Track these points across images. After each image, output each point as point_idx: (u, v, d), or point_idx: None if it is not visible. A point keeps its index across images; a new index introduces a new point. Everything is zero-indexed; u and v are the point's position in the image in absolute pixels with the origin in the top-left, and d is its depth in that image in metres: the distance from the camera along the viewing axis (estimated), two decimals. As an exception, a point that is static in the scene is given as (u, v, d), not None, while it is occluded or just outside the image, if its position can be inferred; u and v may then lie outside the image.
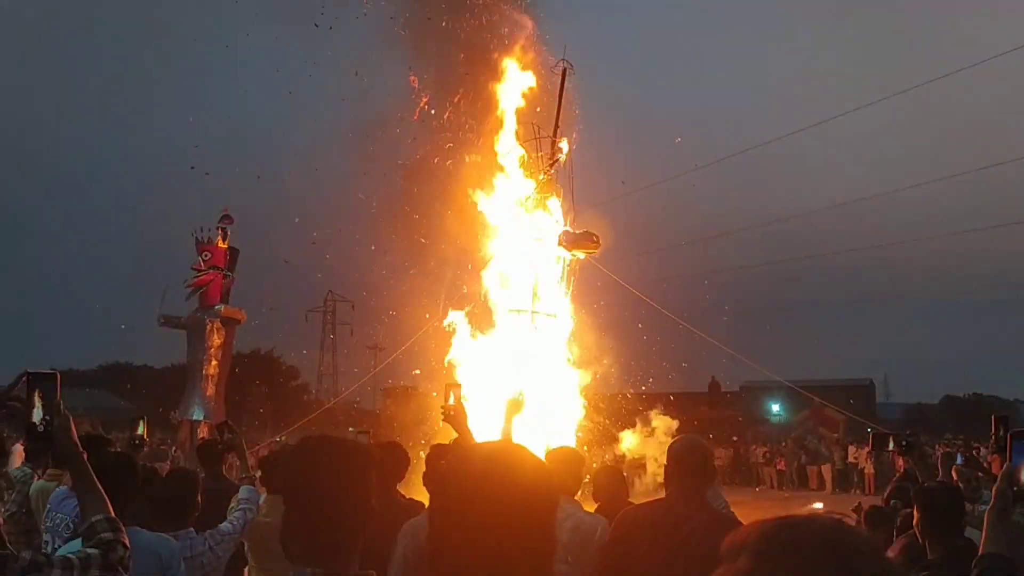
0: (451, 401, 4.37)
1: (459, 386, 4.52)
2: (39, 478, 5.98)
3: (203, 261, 25.49)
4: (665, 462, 3.60)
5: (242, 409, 44.20)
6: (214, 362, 25.25)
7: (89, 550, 2.23)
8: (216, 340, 25.31)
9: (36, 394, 2.37)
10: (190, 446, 23.85)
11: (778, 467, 28.87)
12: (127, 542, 2.30)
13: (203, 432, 24.78)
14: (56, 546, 3.98)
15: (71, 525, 3.91)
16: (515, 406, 4.50)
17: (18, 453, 7.20)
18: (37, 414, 2.22)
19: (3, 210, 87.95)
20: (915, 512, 3.90)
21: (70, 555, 2.21)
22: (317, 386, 63.55)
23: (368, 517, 1.86)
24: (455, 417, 4.27)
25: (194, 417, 24.75)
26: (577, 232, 18.37)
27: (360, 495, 1.84)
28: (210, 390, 25.11)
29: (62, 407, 2.26)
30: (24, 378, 2.39)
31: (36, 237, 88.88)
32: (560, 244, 18.41)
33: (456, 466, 1.48)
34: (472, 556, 1.37)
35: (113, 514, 2.36)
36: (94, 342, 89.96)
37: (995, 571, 2.60)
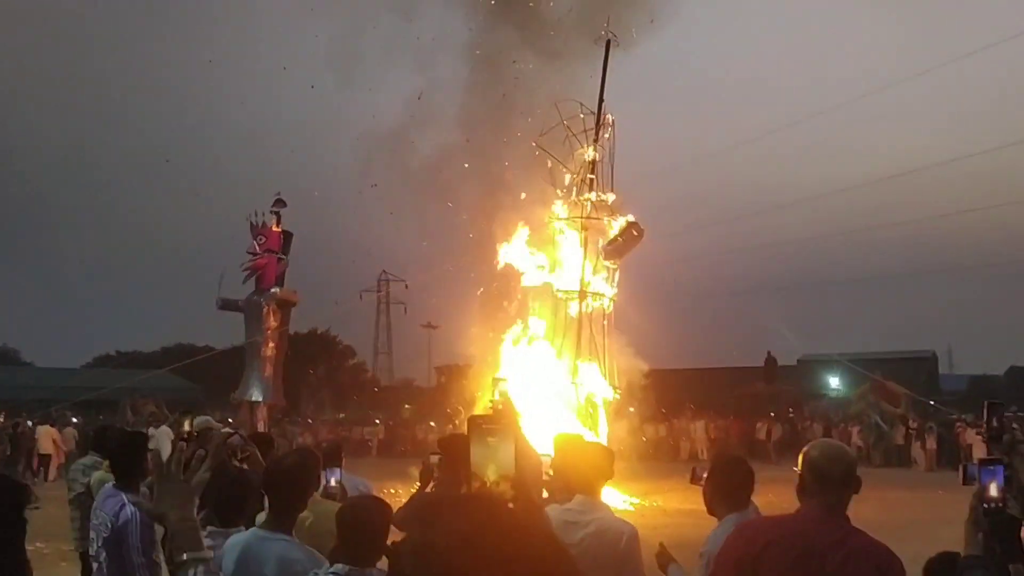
0: (497, 395, 4.29)
1: (505, 379, 4.41)
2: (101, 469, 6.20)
3: (258, 245, 25.92)
4: (799, 470, 3.05)
5: (301, 389, 44.98)
6: (271, 344, 25.73)
7: None
8: (272, 322, 25.78)
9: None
10: (251, 426, 24.41)
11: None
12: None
13: (263, 412, 25.33)
14: (99, 545, 4.05)
15: (109, 525, 3.98)
16: (510, 413, 4.24)
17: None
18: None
19: (68, 196, 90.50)
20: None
21: None
22: (373, 365, 64.41)
23: None
24: (502, 412, 4.22)
25: (253, 398, 25.30)
26: (617, 235, 18.31)
27: None
28: (268, 371, 25.62)
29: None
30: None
31: (99, 224, 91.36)
32: (607, 258, 18.42)
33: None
34: None
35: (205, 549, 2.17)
36: (158, 325, 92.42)
37: (975, 568, 2.80)
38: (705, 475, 4.13)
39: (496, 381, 4.33)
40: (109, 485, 4.30)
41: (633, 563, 3.59)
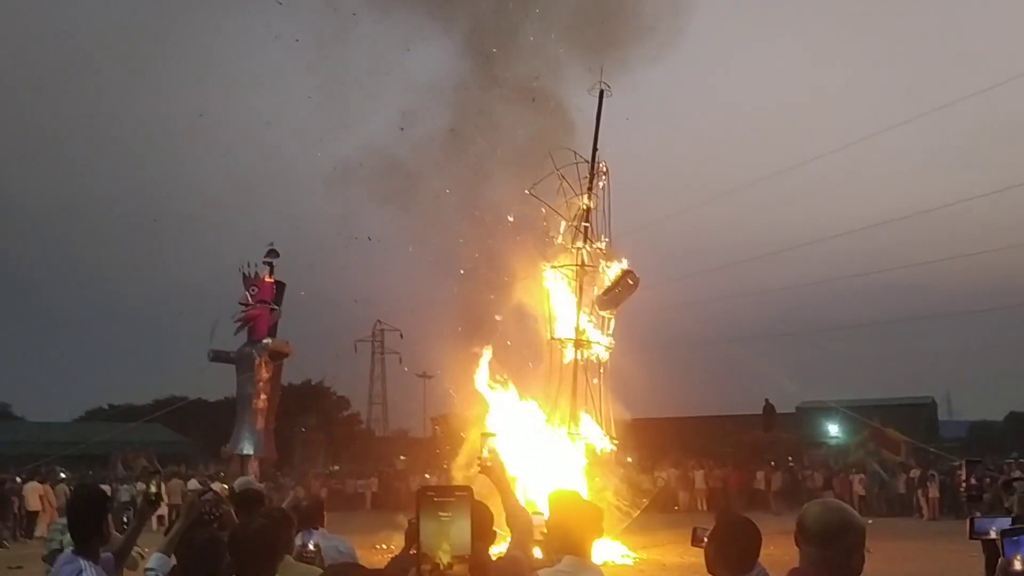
0: (486, 453, 4.06)
1: (494, 435, 4.16)
2: None
3: (250, 296, 25.78)
4: (796, 531, 2.88)
5: (293, 441, 44.43)
6: (263, 395, 25.45)
7: None
8: (264, 374, 25.53)
9: None
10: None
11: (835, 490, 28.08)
12: None
13: (254, 466, 24.93)
14: None
15: None
16: (499, 471, 3.94)
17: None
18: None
19: (58, 249, 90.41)
20: None
21: None
22: (368, 415, 63.80)
23: None
24: (491, 470, 3.93)
25: (244, 451, 24.94)
26: (612, 285, 18.29)
27: None
28: (259, 423, 25.30)
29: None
30: None
31: (91, 277, 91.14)
32: (602, 308, 18.37)
33: None
34: None
35: None
36: (151, 378, 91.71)
37: None
38: (707, 537, 3.91)
39: (484, 436, 4.08)
40: (68, 551, 4.03)
41: None
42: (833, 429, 43.18)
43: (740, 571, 3.47)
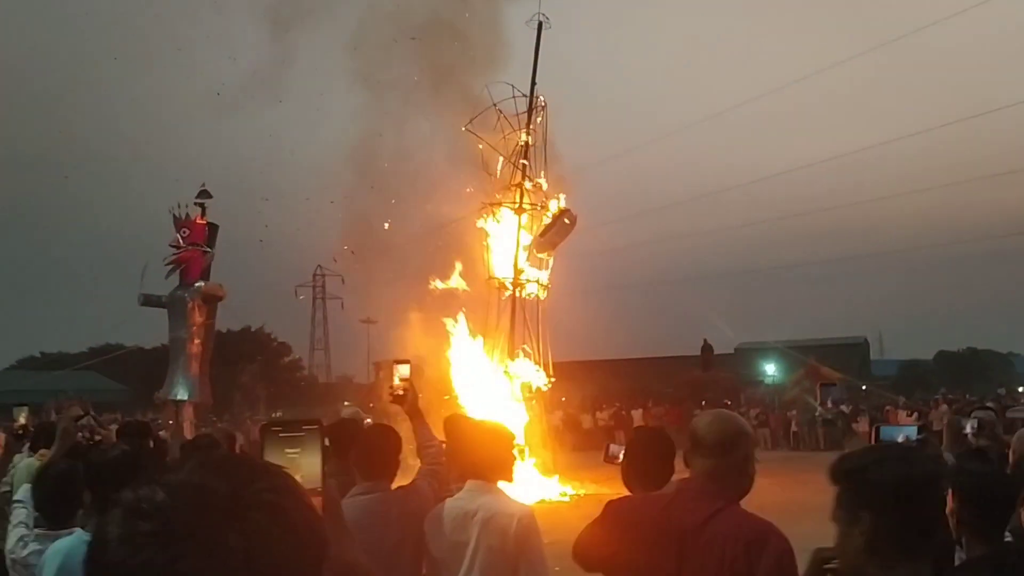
0: (396, 381, 3.80)
1: (406, 362, 3.90)
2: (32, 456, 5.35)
3: (181, 238, 24.90)
4: (688, 445, 2.72)
5: (232, 387, 43.80)
6: (197, 340, 24.73)
7: None
8: (198, 318, 24.78)
9: None
10: (176, 427, 23.48)
11: (771, 427, 28.75)
12: None
13: (189, 412, 24.40)
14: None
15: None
16: (412, 400, 3.77)
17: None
18: None
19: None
20: (952, 499, 3.03)
21: None
22: (310, 361, 63.31)
23: None
24: (403, 399, 3.73)
25: (178, 397, 24.30)
26: (549, 225, 18.03)
27: None
28: (194, 369, 24.64)
29: None
30: None
31: (19, 222, 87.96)
32: (539, 250, 18.12)
33: None
34: None
35: None
36: (85, 325, 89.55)
37: None
38: (622, 453, 3.77)
39: (395, 363, 3.82)
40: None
41: (529, 551, 3.09)
42: (770, 368, 44.15)
43: (656, 486, 3.30)
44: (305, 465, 1.26)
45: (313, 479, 1.25)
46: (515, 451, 3.48)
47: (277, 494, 0.86)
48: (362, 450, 3.54)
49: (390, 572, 3.19)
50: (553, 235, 18.12)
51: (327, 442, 4.06)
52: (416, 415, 3.83)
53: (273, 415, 42.29)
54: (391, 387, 3.79)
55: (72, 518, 3.07)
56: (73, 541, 2.80)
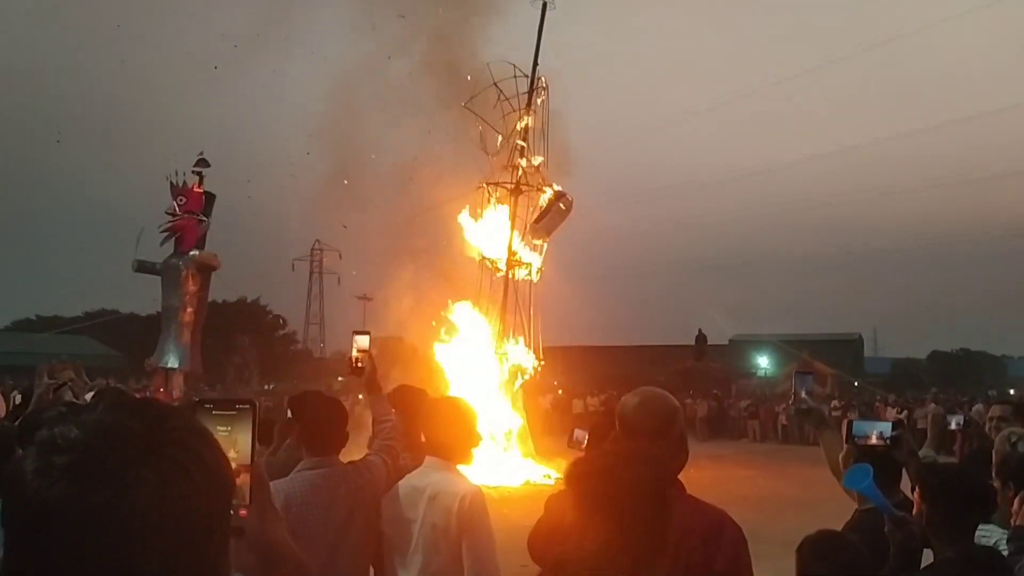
0: (355, 352, 3.71)
1: (366, 333, 3.79)
2: None
3: (178, 206, 24.79)
4: (618, 428, 2.56)
5: (226, 358, 43.80)
6: (189, 309, 24.67)
7: None
8: (191, 287, 24.72)
9: None
10: (166, 395, 23.44)
11: (761, 419, 28.75)
12: None
13: (179, 380, 24.38)
14: None
15: None
16: (371, 373, 3.68)
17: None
18: None
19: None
20: (918, 498, 2.96)
21: None
22: (305, 335, 63.29)
23: None
24: (361, 370, 3.64)
25: (169, 365, 24.28)
26: (544, 211, 17.91)
27: None
28: (185, 337, 24.58)
29: None
30: None
31: (19, 185, 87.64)
32: (535, 236, 18.00)
33: None
34: None
35: None
36: (82, 289, 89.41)
37: None
38: (587, 438, 3.70)
39: (355, 334, 3.72)
40: None
41: (475, 530, 2.99)
42: (763, 361, 44.20)
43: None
44: (238, 442, 1.29)
45: (244, 456, 1.28)
46: (477, 431, 3.37)
47: (189, 433, 0.90)
48: (306, 425, 3.45)
49: (338, 547, 3.14)
50: (548, 221, 18.01)
51: (289, 414, 4.01)
52: (374, 388, 3.74)
53: (266, 387, 42.36)
54: (350, 359, 3.70)
55: None
56: None
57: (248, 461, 1.29)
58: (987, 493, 3.01)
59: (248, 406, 1.32)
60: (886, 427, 3.36)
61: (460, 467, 3.21)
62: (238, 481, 1.20)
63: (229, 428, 1.29)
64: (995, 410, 5.97)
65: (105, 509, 0.82)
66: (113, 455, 0.84)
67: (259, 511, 1.23)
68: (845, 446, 3.39)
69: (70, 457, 0.84)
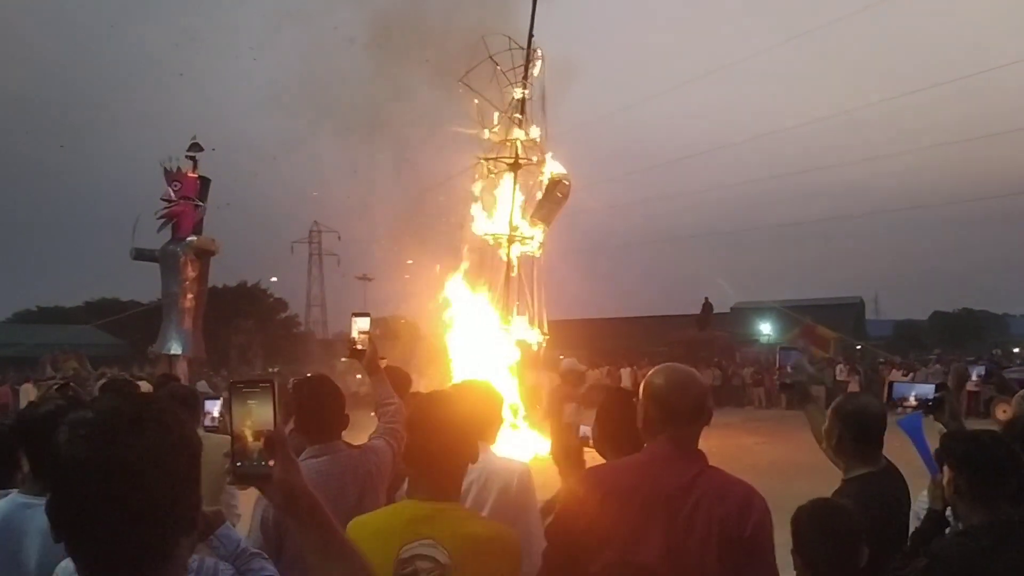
0: (355, 334, 3.59)
1: (366, 315, 3.66)
2: None
3: (173, 191, 24.63)
4: (641, 401, 2.60)
5: (228, 342, 43.80)
6: (189, 295, 24.60)
7: None
8: (190, 272, 24.63)
9: None
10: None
11: (766, 386, 28.71)
12: None
13: (183, 366, 24.35)
14: None
15: None
16: (372, 354, 3.63)
17: None
18: None
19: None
20: (948, 469, 2.94)
21: None
22: (306, 317, 63.29)
23: None
24: (361, 353, 3.57)
25: (172, 351, 24.26)
26: (541, 201, 17.82)
27: None
28: (187, 323, 24.54)
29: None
30: None
31: (17, 176, 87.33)
32: (532, 226, 17.89)
33: None
34: None
35: None
36: (82, 278, 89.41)
37: None
38: (590, 432, 3.61)
39: (354, 316, 3.62)
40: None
41: (529, 507, 3.03)
42: (766, 328, 44.17)
43: (634, 448, 3.10)
44: (259, 411, 1.60)
45: (268, 423, 1.58)
46: (502, 413, 3.33)
47: (165, 413, 1.34)
48: (303, 411, 3.35)
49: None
50: (547, 212, 17.93)
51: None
52: (375, 371, 3.66)
53: (270, 370, 42.39)
54: (350, 340, 3.61)
55: (11, 481, 2.88)
56: (7, 505, 2.62)
57: (271, 426, 1.60)
58: (1014, 462, 2.93)
59: (268, 384, 1.63)
60: (929, 389, 3.31)
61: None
62: (262, 441, 1.56)
63: (256, 400, 1.61)
64: None
65: (112, 462, 1.23)
66: (116, 428, 1.26)
67: (281, 462, 1.51)
68: (827, 420, 3.45)
69: (88, 430, 1.26)
